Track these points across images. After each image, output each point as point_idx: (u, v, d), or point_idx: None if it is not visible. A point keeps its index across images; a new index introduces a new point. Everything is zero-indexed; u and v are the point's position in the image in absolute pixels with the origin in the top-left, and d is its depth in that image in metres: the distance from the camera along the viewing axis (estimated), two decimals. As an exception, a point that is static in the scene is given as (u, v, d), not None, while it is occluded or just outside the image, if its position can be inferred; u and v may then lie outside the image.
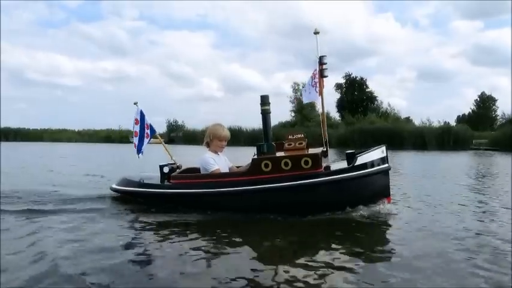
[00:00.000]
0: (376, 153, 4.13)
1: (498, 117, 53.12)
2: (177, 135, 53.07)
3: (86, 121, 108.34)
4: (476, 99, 59.35)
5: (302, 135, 4.53)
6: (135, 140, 5.31)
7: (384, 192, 4.19)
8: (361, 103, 53.33)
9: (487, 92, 59.23)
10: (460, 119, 56.90)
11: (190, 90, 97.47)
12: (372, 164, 4.06)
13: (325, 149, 4.55)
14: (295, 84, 55.68)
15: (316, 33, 4.64)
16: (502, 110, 55.63)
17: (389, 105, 53.99)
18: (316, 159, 4.04)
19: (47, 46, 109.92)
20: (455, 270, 2.46)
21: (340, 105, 53.70)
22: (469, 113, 59.23)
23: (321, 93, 4.63)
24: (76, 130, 57.72)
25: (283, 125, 47.22)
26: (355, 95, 53.68)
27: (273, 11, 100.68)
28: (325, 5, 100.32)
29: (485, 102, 57.91)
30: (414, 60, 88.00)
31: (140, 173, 5.45)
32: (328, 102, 55.91)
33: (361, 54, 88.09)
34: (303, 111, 52.32)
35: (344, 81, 55.49)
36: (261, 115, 4.52)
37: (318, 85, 4.48)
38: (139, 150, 5.28)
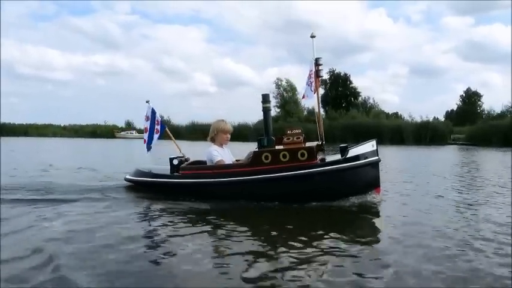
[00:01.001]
0: (367, 146, 4.55)
1: (484, 113, 52.25)
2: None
3: (78, 115, 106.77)
4: (462, 95, 59.65)
5: (300, 131, 4.91)
6: (145, 136, 5.63)
7: (374, 183, 4.59)
8: (345, 99, 54.24)
9: (478, 88, 59.55)
10: (449, 115, 57.16)
11: (183, 85, 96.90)
12: (363, 156, 4.47)
13: (320, 143, 4.97)
14: (278, 80, 56.02)
15: (312, 37, 5.06)
16: (490, 106, 56.36)
17: (373, 100, 55.09)
18: (312, 151, 4.47)
19: (37, 40, 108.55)
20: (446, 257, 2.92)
21: (324, 101, 54.38)
22: (456, 109, 59.38)
23: (316, 92, 5.05)
24: (62, 125, 57.04)
25: (274, 120, 47.58)
26: (339, 90, 54.40)
27: (266, 6, 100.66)
28: (318, 0, 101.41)
29: (471, 98, 58.04)
30: (406, 56, 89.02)
31: (150, 165, 5.77)
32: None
33: (354, 50, 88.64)
34: (286, 106, 52.83)
35: (328, 77, 56.10)
36: (262, 112, 4.94)
37: (313, 84, 4.91)
38: (149, 144, 5.61)
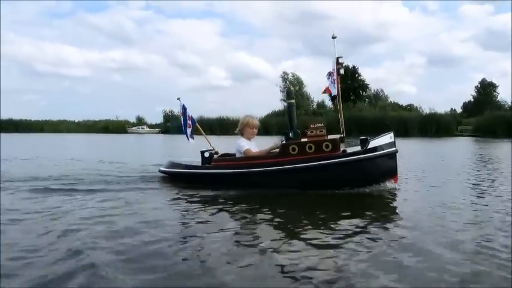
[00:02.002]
0: (385, 138, 4.87)
1: (499, 104, 50.80)
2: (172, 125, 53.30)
3: (95, 111, 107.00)
4: (477, 86, 57.81)
5: (322, 124, 5.23)
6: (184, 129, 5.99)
7: (392, 172, 4.90)
8: (354, 91, 53.98)
9: (498, 77, 58.18)
10: (466, 105, 55.95)
11: (197, 79, 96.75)
12: (382, 147, 4.79)
13: (342, 136, 5.29)
14: (284, 74, 56.18)
15: (333, 37, 5.39)
16: (502, 97, 54.52)
17: (383, 92, 54.68)
18: (335, 143, 4.81)
19: (54, 37, 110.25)
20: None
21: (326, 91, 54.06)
22: (472, 100, 57.39)
23: (338, 88, 5.37)
24: (76, 121, 57.74)
25: (276, 114, 47.96)
26: (348, 83, 53.60)
27: None
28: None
29: (486, 89, 56.44)
30: (423, 45, 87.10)
31: (182, 158, 6.12)
32: (314, 90, 56.28)
33: (369, 41, 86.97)
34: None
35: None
36: (287, 107, 5.27)
37: (336, 82, 5.24)
38: (188, 136, 5.98)
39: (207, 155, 5.57)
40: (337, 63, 5.33)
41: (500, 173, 6.89)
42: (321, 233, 2.98)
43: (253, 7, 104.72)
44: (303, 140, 5.04)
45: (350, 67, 55.07)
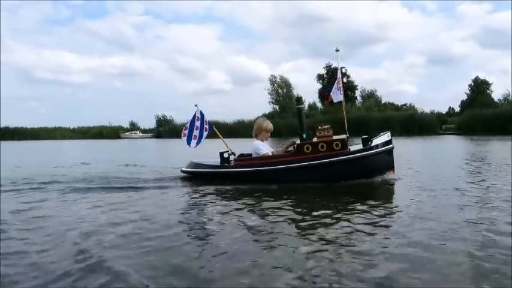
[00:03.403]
0: (384, 137, 5.46)
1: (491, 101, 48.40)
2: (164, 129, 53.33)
3: (95, 117, 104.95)
4: (471, 84, 55.64)
5: (328, 126, 5.69)
6: (196, 132, 6.37)
7: (390, 165, 5.46)
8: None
9: (498, 75, 56.41)
10: (463, 103, 54.08)
11: (198, 83, 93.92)
12: (382, 144, 5.34)
13: (347, 135, 5.77)
14: (272, 77, 56.39)
15: (337, 50, 5.89)
16: (501, 94, 51.90)
17: (374, 92, 54.72)
18: (344, 142, 5.31)
19: (54, 44, 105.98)
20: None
21: (322, 95, 53.98)
22: (467, 98, 55.00)
23: (343, 95, 5.89)
24: (70, 128, 57.35)
25: (266, 116, 48.39)
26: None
27: (278, 2, 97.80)
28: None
29: (480, 87, 54.60)
30: (423, 45, 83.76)
31: (200, 159, 6.50)
32: (310, 93, 56.09)
33: (368, 42, 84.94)
34: (280, 102, 53.38)
35: (325, 71, 55.67)
36: (297, 111, 5.79)
37: (341, 89, 5.75)
38: (199, 141, 6.36)
39: (225, 155, 6.00)
40: (342, 72, 5.80)
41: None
42: (337, 220, 3.34)
43: (252, 11, 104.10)
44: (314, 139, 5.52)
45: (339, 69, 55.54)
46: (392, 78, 78.77)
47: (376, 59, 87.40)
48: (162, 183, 5.76)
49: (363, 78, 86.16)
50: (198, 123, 6.37)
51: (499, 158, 9.35)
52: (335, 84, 5.95)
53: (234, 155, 6.11)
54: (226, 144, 6.33)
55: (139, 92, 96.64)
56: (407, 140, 23.52)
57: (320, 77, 56.40)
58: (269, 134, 5.98)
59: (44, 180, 6.18)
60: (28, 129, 55.44)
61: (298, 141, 5.56)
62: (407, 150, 12.58)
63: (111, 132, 54.60)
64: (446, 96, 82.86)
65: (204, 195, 4.82)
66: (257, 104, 77.61)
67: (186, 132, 6.40)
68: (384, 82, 77.69)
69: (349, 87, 54.58)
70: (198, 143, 6.43)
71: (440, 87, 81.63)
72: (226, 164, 5.93)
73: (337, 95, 5.99)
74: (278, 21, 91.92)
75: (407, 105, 52.55)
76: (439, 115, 39.78)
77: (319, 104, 52.73)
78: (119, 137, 51.91)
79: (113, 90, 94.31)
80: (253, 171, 5.56)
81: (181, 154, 10.41)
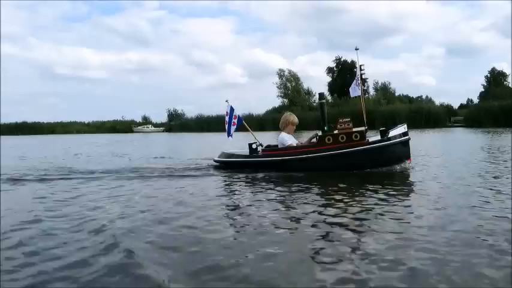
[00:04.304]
0: (401, 129, 5.93)
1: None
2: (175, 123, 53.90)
3: (112, 112, 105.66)
4: (487, 75, 54.11)
5: (349, 119, 6.16)
6: (227, 126, 6.89)
7: (407, 155, 5.92)
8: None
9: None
10: (481, 95, 52.06)
11: (214, 77, 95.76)
12: (399, 135, 5.81)
13: (366, 128, 6.24)
14: (280, 71, 56.60)
15: (356, 49, 6.36)
16: None
17: (386, 85, 54.24)
18: (363, 134, 5.79)
19: (72, 40, 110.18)
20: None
21: (331, 89, 53.54)
22: (483, 91, 53.18)
23: (361, 90, 6.36)
24: (85, 122, 58.29)
25: (277, 110, 48.87)
26: (348, 77, 52.51)
27: None
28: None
29: (496, 78, 52.97)
30: (442, 36, 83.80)
31: (229, 150, 7.02)
32: (319, 86, 55.76)
33: (385, 33, 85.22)
34: (289, 95, 53.60)
35: (335, 65, 55.71)
36: (319, 106, 6.28)
37: (360, 85, 6.23)
38: (229, 133, 6.88)
39: (254, 146, 6.51)
40: (360, 69, 6.27)
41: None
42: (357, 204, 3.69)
43: (267, 3, 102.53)
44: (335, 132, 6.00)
45: (349, 62, 54.60)
46: (410, 70, 77.49)
47: (393, 50, 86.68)
48: (199, 172, 6.32)
49: (380, 70, 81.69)
50: (227, 118, 6.89)
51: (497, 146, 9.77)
52: (354, 81, 6.43)
53: (262, 146, 6.63)
54: (254, 136, 6.85)
55: (155, 87, 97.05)
56: (412, 132, 23.88)
57: (330, 70, 56.32)
58: (294, 127, 6.50)
59: (100, 170, 6.78)
60: (45, 123, 56.61)
61: (320, 133, 6.06)
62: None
63: (124, 127, 55.43)
64: (465, 87, 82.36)
65: (236, 182, 5.36)
66: (273, 97, 76.42)
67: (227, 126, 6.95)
68: (402, 74, 75.65)
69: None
70: (229, 135, 6.95)
71: (460, 78, 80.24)
72: (254, 154, 6.45)
73: (355, 91, 6.46)
74: (293, 13, 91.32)
75: (423, 97, 51.77)
76: (448, 107, 39.34)
77: (329, 97, 52.77)
78: (131, 131, 52.75)
79: (129, 85, 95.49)
80: (279, 160, 6.08)
81: (199, 147, 10.86)
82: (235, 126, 6.93)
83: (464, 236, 2.54)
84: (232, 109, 6.88)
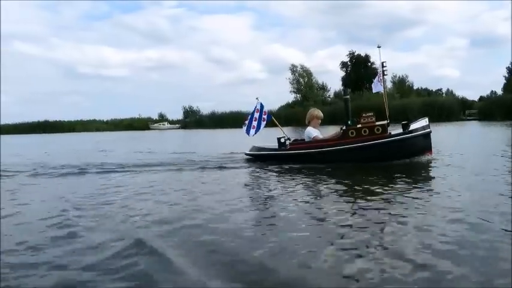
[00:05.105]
0: (422, 122, 6.30)
1: None
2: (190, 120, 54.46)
3: (133, 109, 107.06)
4: (509, 67, 49.09)
5: (372, 113, 6.50)
6: (255, 123, 7.32)
7: (428, 147, 6.28)
8: (368, 80, 53.36)
9: None
10: (505, 87, 48.44)
11: (233, 73, 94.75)
12: (420, 129, 6.19)
13: (388, 121, 6.61)
14: (292, 66, 56.33)
15: (378, 47, 6.74)
16: None
17: (404, 78, 52.89)
18: (384, 127, 6.19)
19: (93, 39, 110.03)
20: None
21: (345, 84, 52.00)
22: (505, 82, 48.54)
23: (384, 86, 6.75)
24: (104, 120, 59.39)
25: (290, 105, 49.05)
26: (361, 72, 52.30)
27: None
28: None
29: None
30: (464, 27, 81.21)
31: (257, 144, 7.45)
32: (333, 80, 54.86)
33: (406, 25, 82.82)
34: (302, 91, 53.42)
35: (349, 59, 55.12)
36: (344, 101, 6.70)
37: (382, 81, 6.62)
38: (257, 130, 7.31)
39: (282, 140, 6.95)
40: (382, 66, 6.64)
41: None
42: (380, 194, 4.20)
43: None
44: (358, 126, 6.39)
45: (362, 56, 54.24)
46: (432, 62, 75.47)
47: (414, 42, 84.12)
48: (233, 164, 6.83)
49: (401, 62, 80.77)
50: (257, 115, 7.32)
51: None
52: (376, 77, 6.82)
53: (290, 140, 7.07)
54: (283, 130, 7.29)
55: (175, 84, 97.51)
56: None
57: (344, 65, 55.85)
58: (319, 121, 6.92)
59: (137, 164, 7.35)
60: (65, 122, 57.89)
61: (344, 127, 6.46)
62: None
63: (141, 124, 56.26)
64: (490, 79, 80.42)
65: (267, 173, 5.86)
66: (287, 93, 76.31)
67: (246, 122, 7.36)
68: (424, 66, 74.00)
69: (374, 75, 53.50)
70: (256, 132, 7.37)
71: (485, 70, 77.65)
72: (283, 148, 6.88)
73: (377, 86, 6.86)
74: (311, 8, 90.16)
75: (444, 90, 50.47)
76: (463, 100, 38.42)
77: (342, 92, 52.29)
78: (148, 128, 53.56)
79: (149, 82, 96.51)
80: (306, 153, 6.52)
81: (218, 142, 11.17)
82: (265, 122, 7.36)
83: (489, 225, 2.63)
84: (262, 106, 7.31)
